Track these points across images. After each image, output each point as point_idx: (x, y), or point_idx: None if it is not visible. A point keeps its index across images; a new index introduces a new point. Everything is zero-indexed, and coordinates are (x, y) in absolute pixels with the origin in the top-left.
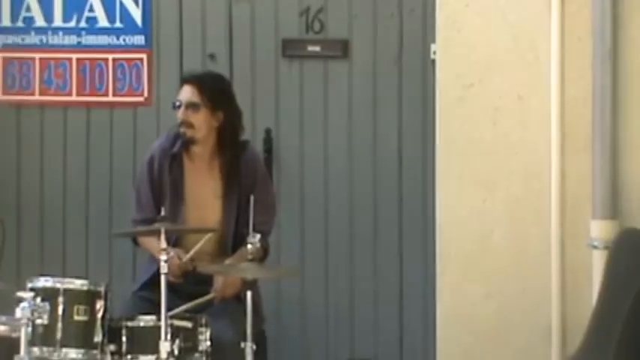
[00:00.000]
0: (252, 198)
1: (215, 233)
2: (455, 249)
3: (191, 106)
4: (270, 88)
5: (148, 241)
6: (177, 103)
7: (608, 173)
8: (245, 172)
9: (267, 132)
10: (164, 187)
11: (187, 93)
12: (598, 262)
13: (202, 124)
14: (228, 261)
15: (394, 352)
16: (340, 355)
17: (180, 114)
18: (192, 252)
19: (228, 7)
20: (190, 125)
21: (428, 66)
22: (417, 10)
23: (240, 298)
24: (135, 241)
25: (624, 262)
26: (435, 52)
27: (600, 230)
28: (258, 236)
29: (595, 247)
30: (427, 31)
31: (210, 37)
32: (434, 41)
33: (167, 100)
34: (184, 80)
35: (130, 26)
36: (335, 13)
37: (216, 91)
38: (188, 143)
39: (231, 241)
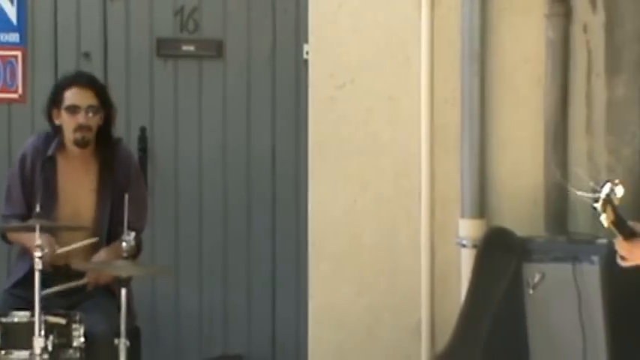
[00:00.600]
0: (126, 196)
1: (89, 230)
2: (327, 248)
3: (91, 109)
4: (145, 87)
5: (20, 237)
6: (73, 108)
7: (476, 173)
8: (119, 169)
9: (142, 130)
10: (36, 185)
11: (86, 97)
12: (466, 261)
13: (95, 127)
14: (100, 254)
15: (267, 349)
16: (213, 351)
17: (80, 118)
18: (66, 249)
19: (103, 5)
20: (89, 129)
21: (301, 66)
22: (291, 10)
23: (113, 294)
24: (4, 238)
25: (491, 261)
26: (307, 52)
27: (468, 229)
28: (133, 234)
29: (463, 246)
30: (300, 31)
31: (85, 35)
32: (307, 41)
33: (41, 97)
34: (77, 84)
35: (4, 24)
36: (209, 12)
37: (105, 92)
38: (83, 146)
39: (105, 238)
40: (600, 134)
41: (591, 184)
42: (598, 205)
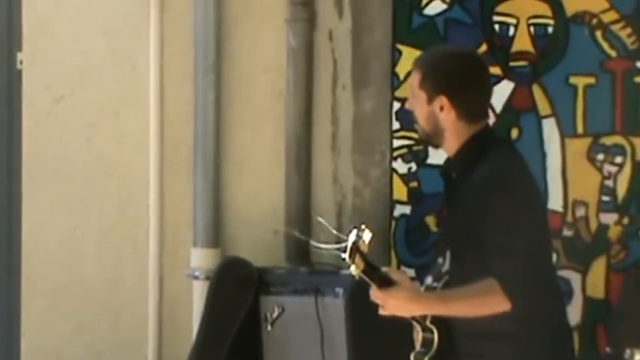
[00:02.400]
0: None
1: None
2: (42, 281)
3: None
4: None
5: None
6: None
7: (210, 197)
8: None
9: None
10: None
11: None
12: (199, 293)
13: None
14: None
15: None
16: None
17: None
18: None
19: None
20: None
21: (14, 77)
22: (1, 13)
23: None
24: None
25: (225, 293)
26: (21, 62)
27: (201, 259)
28: None
29: (195, 278)
30: (13, 38)
31: None
32: (20, 49)
33: None
34: None
35: None
36: None
37: None
38: None
39: None
40: (347, 153)
41: (335, 232)
42: (346, 256)
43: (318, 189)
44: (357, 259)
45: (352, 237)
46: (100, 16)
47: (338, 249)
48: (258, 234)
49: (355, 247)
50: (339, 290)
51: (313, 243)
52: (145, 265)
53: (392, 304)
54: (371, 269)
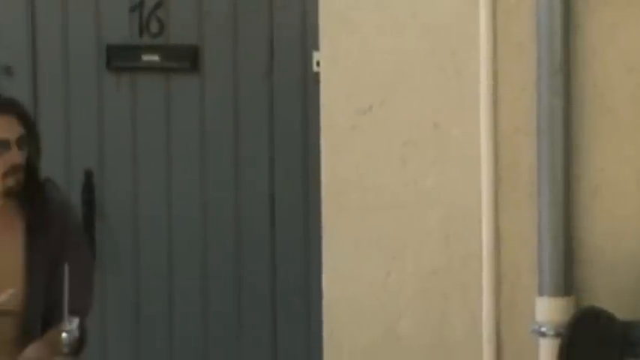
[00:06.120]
0: (66, 267)
1: (15, 316)
2: (348, 340)
3: (20, 142)
4: (91, 114)
5: None
6: (3, 145)
7: (559, 233)
8: (51, 227)
9: (88, 175)
10: None
11: (12, 127)
12: (546, 353)
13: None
14: (31, 350)
15: None
16: None
17: (13, 157)
18: None
19: (30, 5)
20: (22, 170)
21: (309, 83)
22: (294, 4)
23: None
24: None
25: (582, 353)
26: (318, 63)
27: (549, 311)
28: (76, 321)
29: (542, 334)
30: (307, 34)
31: (5, 43)
32: (317, 48)
33: None
34: None
35: None
36: (179, 9)
37: (30, 117)
38: (14, 195)
39: (39, 326)
40: None
41: None
42: None
43: None
44: None
45: None
46: (416, 9)
47: None
48: (620, 279)
49: None
50: None
51: None
52: (477, 320)
53: None
54: None
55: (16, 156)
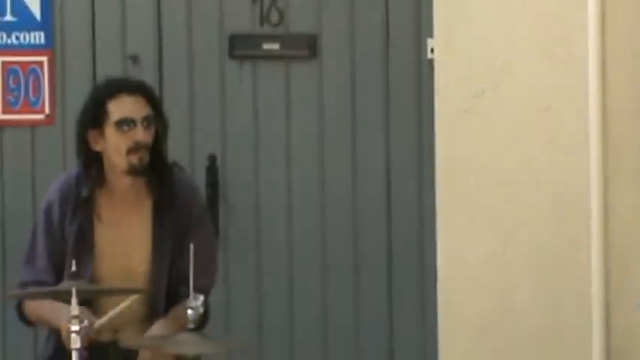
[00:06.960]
0: (191, 246)
1: (141, 293)
2: (463, 314)
3: (146, 122)
4: (214, 100)
5: (42, 313)
6: (126, 122)
7: None
8: (178, 208)
9: (211, 160)
10: (67, 239)
11: (139, 106)
12: None
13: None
14: (158, 327)
15: None
16: None
17: (137, 134)
18: (104, 319)
19: None
20: (148, 148)
21: (424, 68)
22: None
23: None
24: (21, 313)
25: None
26: (432, 50)
27: None
28: (202, 298)
29: None
30: (422, 22)
31: (133, 33)
32: (431, 35)
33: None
34: (125, 90)
35: (24, 20)
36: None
37: (157, 99)
38: (140, 173)
39: (163, 302)
40: None
41: None
42: None
43: None
44: None
45: None
46: None
47: None
48: None
49: None
50: None
51: None
52: (587, 296)
53: None
54: None
55: (141, 134)
